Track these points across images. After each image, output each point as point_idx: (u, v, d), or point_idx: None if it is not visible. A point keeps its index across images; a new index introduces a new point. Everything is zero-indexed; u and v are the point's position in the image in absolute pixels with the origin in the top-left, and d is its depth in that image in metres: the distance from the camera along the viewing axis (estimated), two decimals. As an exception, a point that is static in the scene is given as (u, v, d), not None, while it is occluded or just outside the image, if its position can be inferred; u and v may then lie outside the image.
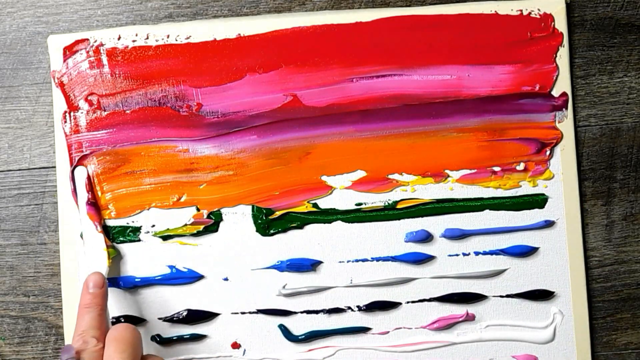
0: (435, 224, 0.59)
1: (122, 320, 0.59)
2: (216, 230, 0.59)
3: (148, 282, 0.59)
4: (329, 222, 0.59)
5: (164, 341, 0.59)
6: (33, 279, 0.60)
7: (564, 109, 0.59)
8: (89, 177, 0.58)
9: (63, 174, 0.59)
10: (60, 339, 0.59)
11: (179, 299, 0.59)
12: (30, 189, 0.60)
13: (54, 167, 0.60)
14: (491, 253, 0.59)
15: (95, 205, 0.58)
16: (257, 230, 0.59)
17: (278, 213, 0.59)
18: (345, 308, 0.59)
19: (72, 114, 0.59)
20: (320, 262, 0.59)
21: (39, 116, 0.60)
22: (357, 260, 0.59)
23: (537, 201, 0.59)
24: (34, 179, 0.60)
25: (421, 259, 0.59)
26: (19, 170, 0.60)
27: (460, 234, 0.59)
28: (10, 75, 0.60)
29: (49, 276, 0.60)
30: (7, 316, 0.60)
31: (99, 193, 0.59)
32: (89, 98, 0.59)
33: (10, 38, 0.61)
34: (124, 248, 0.59)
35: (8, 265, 0.60)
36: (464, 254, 0.59)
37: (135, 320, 0.59)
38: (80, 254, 0.59)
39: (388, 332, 0.59)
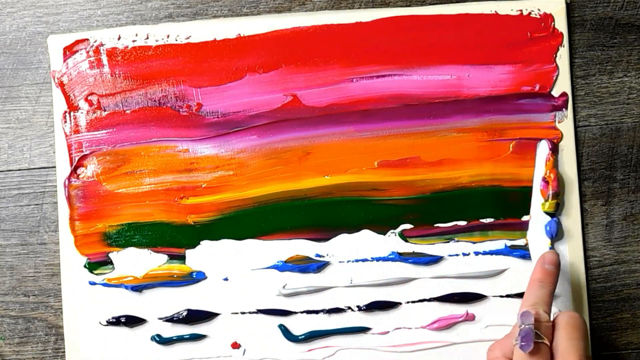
0: (435, 224, 0.59)
1: (123, 321, 0.59)
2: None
3: (149, 283, 0.59)
4: (329, 221, 0.59)
5: (164, 341, 0.59)
6: (33, 279, 0.60)
7: (564, 109, 0.59)
8: (552, 154, 0.58)
9: (63, 174, 0.59)
10: (60, 339, 0.59)
11: (179, 299, 0.59)
12: (30, 189, 0.60)
13: (54, 167, 0.60)
14: (491, 253, 0.59)
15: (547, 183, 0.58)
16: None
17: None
18: (345, 308, 0.59)
19: (72, 114, 0.59)
20: (324, 265, 0.59)
21: (39, 116, 0.60)
22: (357, 260, 0.59)
23: (538, 201, 0.59)
24: (34, 179, 0.60)
25: (421, 259, 0.59)
26: (19, 170, 0.60)
27: None
28: (10, 75, 0.60)
29: (49, 276, 0.60)
30: (7, 316, 0.60)
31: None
32: (89, 98, 0.59)
33: (10, 38, 0.61)
34: (127, 250, 0.59)
35: (8, 265, 0.60)
36: (464, 254, 0.59)
37: (135, 320, 0.59)
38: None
39: (388, 332, 0.59)
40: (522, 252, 0.58)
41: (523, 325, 0.48)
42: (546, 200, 0.58)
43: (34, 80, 0.60)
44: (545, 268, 0.54)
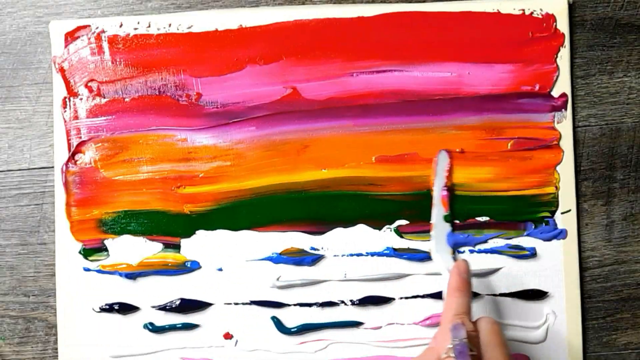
0: (431, 221, 0.59)
1: (116, 308, 0.59)
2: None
3: (143, 271, 0.59)
4: (325, 215, 0.59)
5: (157, 330, 0.59)
6: (33, 279, 0.60)
7: (563, 110, 0.59)
8: (450, 164, 0.58)
9: (59, 174, 0.59)
10: (60, 337, 0.60)
11: (173, 288, 0.59)
12: (30, 189, 0.60)
13: (54, 167, 0.60)
14: (486, 252, 0.58)
15: (451, 192, 0.58)
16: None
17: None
18: (339, 302, 0.59)
19: (72, 99, 0.59)
20: (319, 258, 0.59)
21: (39, 116, 0.60)
22: (351, 255, 0.59)
23: (535, 201, 0.59)
24: (34, 179, 0.60)
25: (416, 255, 0.59)
26: (19, 170, 0.60)
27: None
28: (10, 75, 0.61)
29: (49, 276, 0.60)
30: (7, 316, 0.60)
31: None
32: (89, 84, 0.59)
33: (10, 38, 0.61)
34: (122, 237, 0.59)
35: (8, 265, 0.60)
36: (459, 252, 0.59)
37: (129, 308, 0.59)
38: (74, 253, 0.59)
39: (380, 327, 0.59)
40: (516, 251, 0.58)
41: (456, 340, 0.47)
42: (448, 210, 0.58)
43: (34, 80, 0.60)
44: (462, 277, 0.53)
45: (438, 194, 0.58)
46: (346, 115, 0.59)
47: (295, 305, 0.59)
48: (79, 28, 0.59)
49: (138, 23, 0.59)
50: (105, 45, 0.59)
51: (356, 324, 0.59)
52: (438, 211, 0.58)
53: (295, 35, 0.59)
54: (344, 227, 0.59)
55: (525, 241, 0.59)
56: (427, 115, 0.59)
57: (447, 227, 0.58)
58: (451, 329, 0.48)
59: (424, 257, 0.59)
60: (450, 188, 0.58)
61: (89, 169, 0.59)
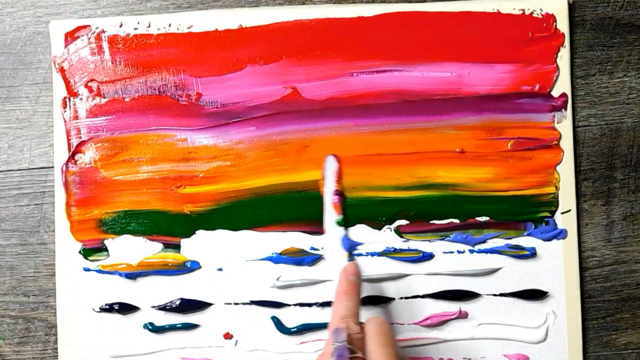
0: (431, 221, 0.59)
1: (116, 308, 0.59)
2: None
3: (143, 271, 0.59)
4: (325, 215, 0.59)
5: (157, 330, 0.59)
6: (33, 279, 0.60)
7: (563, 110, 0.59)
8: (339, 168, 0.58)
9: (60, 174, 0.59)
10: (59, 337, 0.60)
11: (173, 287, 0.59)
12: (30, 189, 0.60)
13: (54, 167, 0.60)
14: (486, 252, 0.58)
15: (342, 196, 0.58)
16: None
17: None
18: (339, 302, 0.59)
19: (71, 99, 0.59)
20: (319, 258, 0.59)
21: (39, 116, 0.60)
22: (351, 255, 0.59)
23: (535, 201, 0.59)
24: (34, 179, 0.60)
25: (416, 256, 0.59)
26: (19, 170, 0.60)
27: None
28: (10, 75, 0.61)
29: (49, 276, 0.60)
30: (7, 316, 0.60)
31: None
32: (89, 84, 0.59)
33: (10, 38, 0.61)
34: (122, 237, 0.59)
35: (8, 265, 0.60)
36: (459, 252, 0.59)
37: (129, 308, 0.59)
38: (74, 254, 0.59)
39: (380, 327, 0.59)
40: (516, 251, 0.58)
41: (336, 343, 0.48)
42: (341, 215, 0.58)
43: (34, 80, 0.60)
44: (349, 280, 0.54)
45: (329, 199, 0.58)
46: (346, 115, 0.59)
47: (295, 305, 0.59)
48: (79, 28, 0.59)
49: (138, 23, 0.59)
50: (105, 45, 0.59)
51: (356, 324, 0.59)
52: (330, 216, 0.58)
53: (295, 35, 0.59)
54: (344, 227, 0.59)
55: (525, 241, 0.59)
56: (427, 115, 0.59)
57: (341, 231, 0.58)
58: (332, 333, 0.49)
59: (424, 257, 0.58)
60: (341, 192, 0.58)
61: (89, 169, 0.59)
